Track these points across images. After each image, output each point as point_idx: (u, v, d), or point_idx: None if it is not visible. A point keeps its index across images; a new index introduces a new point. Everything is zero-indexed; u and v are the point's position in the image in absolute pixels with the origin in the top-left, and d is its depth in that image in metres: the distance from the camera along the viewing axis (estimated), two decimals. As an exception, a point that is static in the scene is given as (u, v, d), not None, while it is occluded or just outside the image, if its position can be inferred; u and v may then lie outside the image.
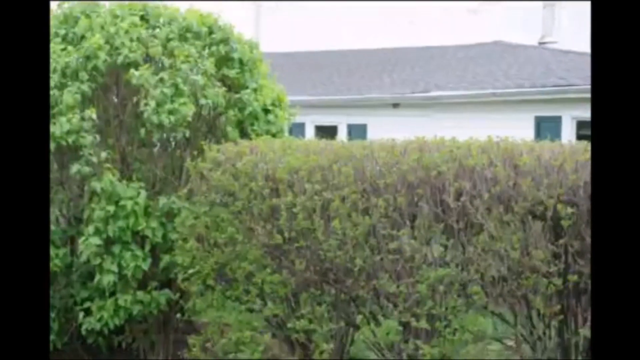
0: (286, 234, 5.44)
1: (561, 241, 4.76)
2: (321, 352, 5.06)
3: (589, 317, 4.88)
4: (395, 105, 15.71)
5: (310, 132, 15.83)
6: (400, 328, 4.93)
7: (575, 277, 4.74)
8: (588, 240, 4.71)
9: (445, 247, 4.95)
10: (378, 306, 5.15)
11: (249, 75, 7.71)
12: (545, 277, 4.75)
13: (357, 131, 15.14)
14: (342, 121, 16.29)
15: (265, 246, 5.71)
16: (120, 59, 6.81)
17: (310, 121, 15.74)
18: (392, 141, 5.77)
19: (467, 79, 15.36)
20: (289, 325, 5.49)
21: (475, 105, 14.34)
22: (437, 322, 4.89)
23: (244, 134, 7.49)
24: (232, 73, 7.50)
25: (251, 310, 6.03)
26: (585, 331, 4.82)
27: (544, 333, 4.88)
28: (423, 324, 4.88)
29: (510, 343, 5.14)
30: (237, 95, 7.49)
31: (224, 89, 7.25)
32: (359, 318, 5.33)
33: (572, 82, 13.14)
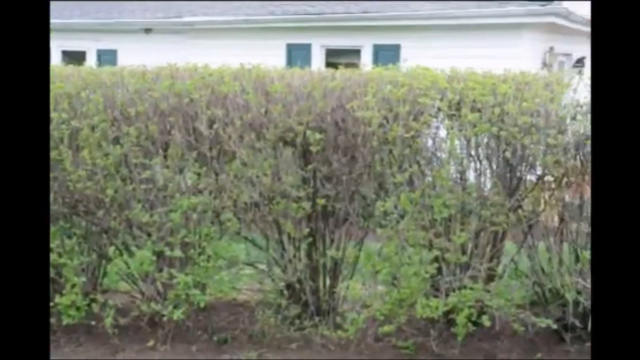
0: (31, 165, 5.14)
1: (310, 167, 4.92)
2: (72, 286, 4.90)
3: (335, 239, 5.13)
4: (147, 31, 15.25)
5: (56, 58, 14.98)
6: (154, 258, 4.89)
7: (323, 201, 4.94)
8: (335, 165, 4.92)
9: (199, 175, 4.94)
10: (131, 237, 5.05)
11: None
12: (295, 201, 4.91)
13: (107, 57, 14.56)
14: (90, 46, 15.57)
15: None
16: None
17: (57, 46, 14.87)
18: (144, 68, 5.61)
19: (220, 5, 15.23)
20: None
21: (228, 31, 14.28)
22: (191, 249, 4.90)
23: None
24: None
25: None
26: (332, 252, 5.06)
27: (294, 256, 5.06)
28: (177, 252, 4.87)
29: (263, 267, 5.29)
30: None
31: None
32: (111, 250, 5.21)
33: (322, 11, 13.46)
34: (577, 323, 4.80)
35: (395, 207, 4.77)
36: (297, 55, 12.91)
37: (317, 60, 13.40)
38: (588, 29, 13.53)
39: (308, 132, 4.79)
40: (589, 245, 4.92)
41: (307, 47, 13.67)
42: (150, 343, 4.99)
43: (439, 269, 4.75)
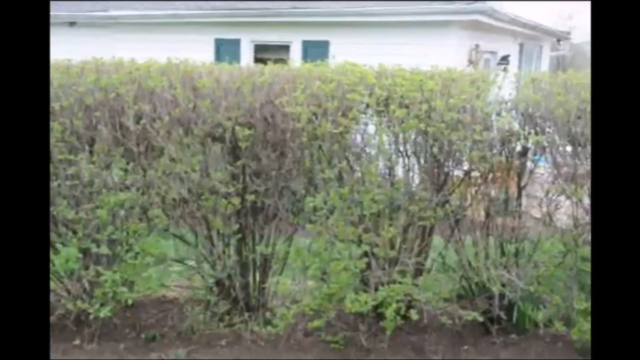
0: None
1: (239, 162, 4.90)
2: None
3: (265, 235, 5.12)
4: (72, 24, 14.97)
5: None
6: (80, 255, 4.80)
7: (252, 197, 4.92)
8: (264, 161, 4.90)
9: (126, 170, 4.86)
10: (56, 234, 4.95)
11: None
12: (225, 197, 4.88)
13: (30, 50, 14.19)
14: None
15: None
16: None
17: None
18: (68, 62, 5.49)
19: (147, -1, 15.03)
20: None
21: (156, 26, 14.11)
22: (118, 246, 4.83)
23: None
24: None
25: None
26: (262, 248, 5.05)
27: (224, 252, 5.03)
28: (104, 249, 4.80)
29: (192, 263, 5.24)
30: None
31: None
32: (35, 247, 5.08)
33: (251, 6, 13.41)
34: (503, 315, 4.90)
35: (325, 202, 4.78)
36: (226, 50, 12.83)
37: (246, 55, 13.37)
38: (512, 27, 13.84)
39: (237, 128, 4.77)
40: (513, 239, 5.04)
41: (236, 43, 13.61)
42: (77, 342, 4.91)
43: (368, 264, 4.79)
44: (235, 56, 11.63)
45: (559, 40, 18.52)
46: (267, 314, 5.03)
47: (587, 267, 4.94)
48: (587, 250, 4.95)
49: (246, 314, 5.08)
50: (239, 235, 5.04)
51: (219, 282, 5.15)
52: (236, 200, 4.88)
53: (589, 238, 5.02)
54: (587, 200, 4.93)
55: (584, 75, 5.43)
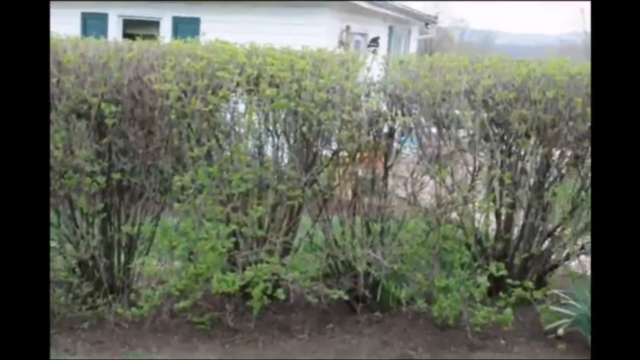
0: None
1: (105, 140, 4.77)
2: None
3: (131, 214, 5.02)
4: None
5: None
6: None
7: (118, 175, 4.80)
8: (131, 138, 4.80)
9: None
10: None
11: None
12: (89, 175, 4.74)
13: None
14: None
15: None
16: None
17: None
18: None
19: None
20: None
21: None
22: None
23: None
24: None
25: None
26: (127, 228, 4.95)
27: (87, 232, 4.88)
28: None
29: (54, 244, 5.06)
30: None
31: None
32: None
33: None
34: (367, 294, 5.00)
35: (193, 181, 4.73)
36: (93, 25, 12.44)
37: (114, 31, 12.99)
38: (383, 10, 14.08)
39: (103, 105, 4.63)
40: (379, 218, 5.15)
41: (103, 17, 13.21)
42: None
43: (236, 244, 4.78)
44: (102, 31, 11.27)
45: (426, 24, 18.97)
46: (132, 296, 4.93)
47: (448, 245, 5.12)
48: (449, 229, 5.13)
49: (110, 296, 4.95)
50: (104, 215, 4.91)
51: (81, 263, 5.00)
52: (101, 179, 4.75)
53: (451, 217, 5.20)
54: (449, 180, 5.10)
55: (449, 59, 5.60)
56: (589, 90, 4.96)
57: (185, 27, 11.57)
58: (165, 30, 12.44)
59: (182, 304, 4.70)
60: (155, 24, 12.89)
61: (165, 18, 12.79)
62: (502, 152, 5.08)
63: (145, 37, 5.79)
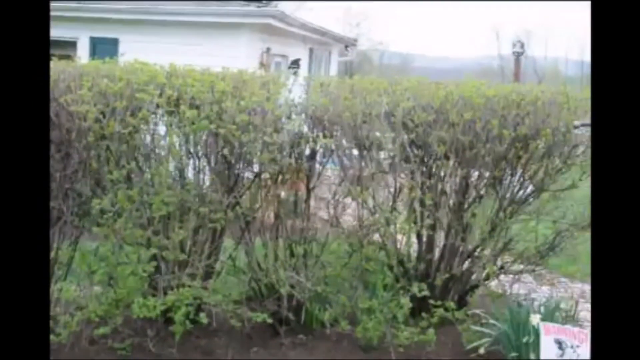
0: None
1: (20, 163, 4.64)
2: None
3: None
4: None
5: None
6: None
7: (34, 199, 4.67)
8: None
9: None
10: None
11: None
12: (3, 200, 4.60)
13: None
14: None
15: None
16: None
17: None
18: None
19: None
20: None
21: None
22: None
23: None
24: None
25: None
26: (45, 252, 4.81)
27: (2, 257, 4.73)
28: None
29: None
30: None
31: None
32: None
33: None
34: (291, 316, 4.99)
35: (112, 204, 4.63)
36: None
37: (29, 50, 12.68)
38: (303, 32, 14.16)
39: (17, 126, 4.51)
40: (302, 241, 5.14)
41: None
42: None
43: (157, 268, 4.70)
44: None
45: (346, 47, 19.18)
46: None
47: (371, 266, 5.15)
48: (371, 250, 5.16)
49: (26, 323, 4.80)
50: (19, 240, 4.77)
51: (-4, 290, 4.83)
52: (16, 203, 4.61)
53: (373, 238, 5.24)
54: (371, 202, 5.13)
55: (369, 81, 5.66)
56: (504, 112, 5.11)
57: (104, 48, 11.39)
58: (83, 50, 12.22)
59: (102, 330, 4.60)
60: (72, 44, 12.65)
61: (83, 38, 12.55)
62: (422, 173, 5.15)
63: (61, 57, 5.66)
